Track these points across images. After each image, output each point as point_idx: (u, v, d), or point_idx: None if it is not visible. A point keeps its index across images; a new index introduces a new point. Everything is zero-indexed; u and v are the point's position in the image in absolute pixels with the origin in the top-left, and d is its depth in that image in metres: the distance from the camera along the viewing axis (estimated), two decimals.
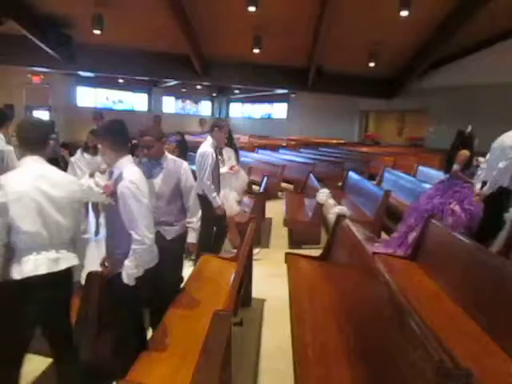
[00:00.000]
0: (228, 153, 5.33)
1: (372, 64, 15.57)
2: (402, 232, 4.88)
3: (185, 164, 3.14)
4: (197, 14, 12.62)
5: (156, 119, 24.06)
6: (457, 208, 4.53)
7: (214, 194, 4.40)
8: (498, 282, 2.65)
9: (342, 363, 2.21)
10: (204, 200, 4.21)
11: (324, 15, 12.31)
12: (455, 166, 4.73)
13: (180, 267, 3.31)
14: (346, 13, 12.32)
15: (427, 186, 6.63)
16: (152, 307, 2.97)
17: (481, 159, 5.69)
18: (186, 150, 7.83)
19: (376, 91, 18.81)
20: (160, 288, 2.73)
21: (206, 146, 4.60)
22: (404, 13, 11.09)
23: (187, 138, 14.81)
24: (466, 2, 11.78)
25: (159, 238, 2.73)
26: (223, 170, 4.96)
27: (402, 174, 8.11)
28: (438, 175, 8.51)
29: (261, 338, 3.36)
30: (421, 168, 9.40)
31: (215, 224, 4.61)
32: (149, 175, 2.90)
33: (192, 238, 3.12)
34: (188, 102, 29.05)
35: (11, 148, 3.92)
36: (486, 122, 15.04)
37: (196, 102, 29.47)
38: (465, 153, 4.72)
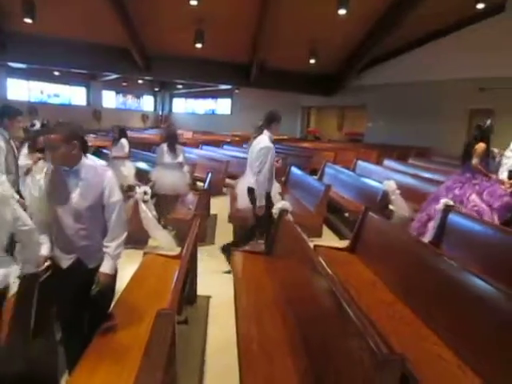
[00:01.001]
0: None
1: (312, 61, 15.92)
2: (422, 221, 4.92)
3: (109, 173, 2.47)
4: (137, 5, 12.29)
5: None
6: (477, 200, 4.67)
7: (263, 192, 4.41)
8: (427, 270, 2.82)
9: (286, 356, 2.26)
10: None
11: (265, 11, 12.43)
12: (474, 160, 4.87)
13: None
14: (287, 10, 12.50)
15: (366, 180, 6.90)
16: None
17: (495, 150, 5.88)
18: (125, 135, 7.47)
19: (317, 87, 19.25)
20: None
21: (267, 141, 4.54)
22: (342, 11, 11.43)
23: (130, 134, 14.31)
24: (400, 4, 12.32)
25: (79, 267, 2.42)
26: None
27: (342, 169, 8.37)
28: (376, 169, 8.90)
29: (207, 335, 3.35)
30: (359, 162, 9.74)
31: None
32: (60, 187, 2.38)
33: (106, 267, 2.43)
34: (129, 96, 28.19)
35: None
36: (418, 117, 15.95)
37: (138, 96, 28.67)
38: (482, 146, 4.89)
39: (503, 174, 5.36)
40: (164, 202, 6.37)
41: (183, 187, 6.52)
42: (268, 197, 4.54)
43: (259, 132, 4.77)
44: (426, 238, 4.33)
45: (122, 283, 3.22)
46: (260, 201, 4.41)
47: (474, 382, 1.98)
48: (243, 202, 4.81)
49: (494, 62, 13.56)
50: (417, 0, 11.79)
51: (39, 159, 4.46)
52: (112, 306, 2.72)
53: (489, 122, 5.11)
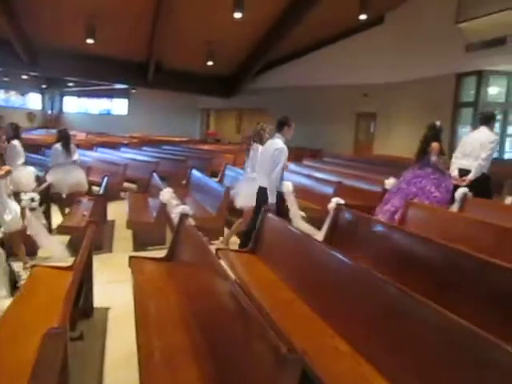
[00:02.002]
0: None
1: (210, 63, 16.00)
2: (389, 212, 5.40)
3: None
4: None
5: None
6: (436, 193, 5.41)
7: (275, 191, 4.83)
8: (322, 267, 2.98)
9: (190, 364, 2.21)
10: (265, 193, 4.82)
11: (160, 9, 12.18)
12: (434, 158, 5.54)
13: None
14: (184, 9, 12.42)
15: None
16: None
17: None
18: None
19: (215, 90, 19.38)
20: None
21: (281, 143, 4.92)
22: (238, 14, 11.63)
23: None
24: (292, 11, 12.89)
25: None
26: None
27: (242, 171, 8.49)
28: None
29: (105, 350, 3.16)
30: None
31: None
32: None
33: None
34: (13, 93, 25.72)
35: None
36: (311, 120, 16.84)
37: (23, 93, 26.28)
38: (437, 145, 5.60)
39: (454, 172, 6.23)
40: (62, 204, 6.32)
41: (84, 184, 7.05)
42: (280, 195, 5.03)
43: (258, 137, 5.69)
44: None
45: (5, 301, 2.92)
46: (272, 199, 4.81)
47: (366, 370, 2.13)
48: (244, 201, 5.28)
49: (375, 70, 14.82)
50: (307, 8, 12.42)
51: None
52: None
53: (439, 122, 5.88)
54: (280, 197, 5.00)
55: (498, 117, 12.18)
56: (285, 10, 13.26)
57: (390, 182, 6.59)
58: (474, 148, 6.14)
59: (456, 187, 5.79)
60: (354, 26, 14.68)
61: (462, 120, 12.49)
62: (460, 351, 1.78)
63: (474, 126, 11.64)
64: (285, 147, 4.91)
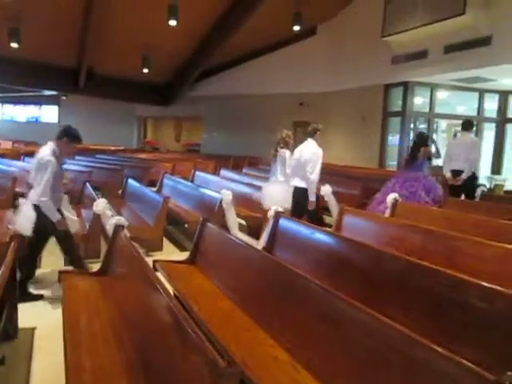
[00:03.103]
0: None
1: (146, 70, 15.69)
2: (382, 205, 5.93)
3: None
4: None
5: None
6: (427, 198, 5.98)
7: (315, 189, 5.66)
8: (261, 275, 2.97)
9: (121, 382, 2.10)
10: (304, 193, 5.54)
11: (90, 12, 11.74)
12: (426, 162, 6.32)
13: None
14: (116, 15, 12.10)
15: (204, 190, 7.01)
16: None
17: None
18: None
19: (152, 97, 19.03)
20: None
21: (317, 147, 5.71)
22: (173, 22, 11.53)
23: None
24: (230, 18, 12.98)
25: None
26: None
27: (180, 180, 8.38)
28: (213, 179, 9.15)
29: (30, 373, 2.93)
30: (197, 173, 9.90)
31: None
32: None
33: None
34: None
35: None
36: (249, 128, 17.00)
37: None
38: (426, 149, 6.25)
39: (447, 174, 7.12)
40: None
41: None
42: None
43: (285, 143, 6.51)
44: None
45: None
46: (312, 196, 5.52)
47: (305, 378, 2.13)
48: (273, 202, 5.34)
49: (310, 80, 15.29)
50: (242, 18, 12.57)
51: None
52: None
53: (425, 131, 6.48)
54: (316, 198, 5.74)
55: (422, 126, 13.04)
56: (220, 19, 13.32)
57: (325, 189, 6.80)
58: (462, 150, 6.95)
59: (451, 187, 7.00)
60: (289, 36, 15.04)
61: (391, 128, 13.15)
62: (391, 353, 1.83)
63: (403, 135, 12.41)
64: (321, 151, 5.62)
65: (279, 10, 12.66)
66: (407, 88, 12.24)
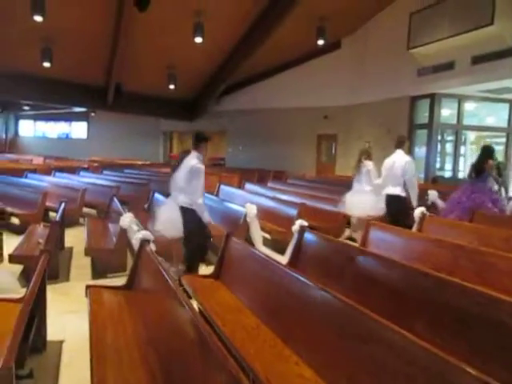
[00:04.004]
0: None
1: (172, 86, 15.98)
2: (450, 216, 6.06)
3: None
4: None
5: None
6: (495, 208, 6.05)
7: (417, 195, 6.03)
8: (285, 291, 2.94)
9: None
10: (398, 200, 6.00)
11: (119, 33, 12.11)
12: (493, 173, 6.35)
13: None
14: (143, 34, 12.42)
15: (229, 204, 7.03)
16: None
17: None
18: None
19: (178, 113, 19.36)
20: None
21: (407, 156, 6.11)
22: (198, 39, 11.75)
23: None
24: (254, 33, 13.14)
25: None
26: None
27: (206, 194, 8.40)
28: (238, 193, 9.17)
29: None
30: (222, 187, 9.94)
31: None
32: None
33: None
34: None
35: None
36: (273, 142, 17.06)
37: None
38: (492, 162, 6.22)
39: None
40: None
41: None
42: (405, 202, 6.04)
43: (367, 155, 7.01)
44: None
45: None
46: (415, 204, 5.83)
47: None
48: (361, 210, 6.16)
49: (335, 93, 15.29)
50: (267, 33, 12.70)
51: None
52: None
53: (492, 144, 6.68)
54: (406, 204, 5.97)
55: (450, 137, 12.80)
56: (244, 35, 13.51)
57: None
58: None
59: None
60: (313, 50, 15.11)
61: (418, 141, 12.96)
62: (421, 374, 1.76)
63: (430, 147, 12.21)
64: (412, 159, 6.01)
65: (303, 25, 12.75)
66: (434, 100, 12.07)
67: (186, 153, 4.96)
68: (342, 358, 2.21)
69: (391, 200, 6.13)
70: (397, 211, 5.99)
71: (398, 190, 6.08)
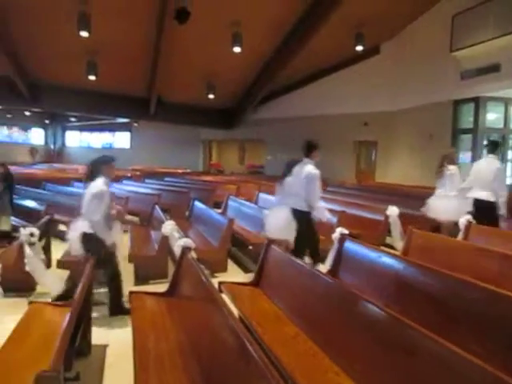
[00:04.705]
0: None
1: (211, 96, 16.24)
2: None
3: None
4: (19, 33, 11.57)
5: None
6: None
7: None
8: (325, 300, 2.90)
9: None
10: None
11: (160, 46, 12.47)
12: None
13: None
14: (183, 45, 12.71)
15: (267, 212, 7.03)
16: None
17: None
18: (11, 183, 6.99)
19: (217, 121, 19.64)
20: None
21: (498, 162, 5.87)
22: (237, 49, 11.90)
23: (16, 169, 13.15)
24: (292, 41, 13.17)
25: None
26: None
27: (245, 202, 8.47)
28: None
29: None
30: (261, 195, 9.95)
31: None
32: None
33: None
34: (15, 129, 26.08)
35: None
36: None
37: (25, 129, 26.66)
38: None
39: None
40: None
41: None
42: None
43: (451, 161, 6.51)
44: None
45: (1, 338, 2.84)
46: (504, 212, 5.74)
47: None
48: (446, 215, 5.98)
49: (374, 99, 15.06)
50: (304, 40, 12.71)
51: None
52: None
53: None
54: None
55: None
56: (282, 43, 13.57)
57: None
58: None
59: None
60: (352, 56, 14.99)
61: (462, 146, 12.53)
62: None
63: (475, 152, 11.77)
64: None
65: (340, 31, 12.67)
66: (479, 103, 11.66)
67: (296, 161, 5.34)
68: (384, 371, 2.16)
69: (480, 205, 5.99)
70: (485, 217, 5.76)
71: (487, 196, 5.97)
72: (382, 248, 5.10)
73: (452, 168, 6.53)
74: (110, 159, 4.63)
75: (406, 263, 3.52)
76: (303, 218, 5.06)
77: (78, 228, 4.29)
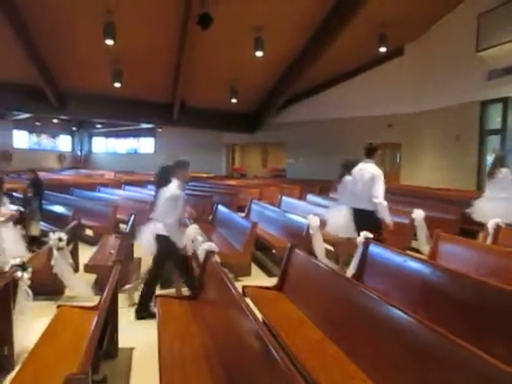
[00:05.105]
0: None
1: (234, 100, 16.32)
2: None
3: None
4: (47, 42, 11.91)
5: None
6: None
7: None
8: (350, 304, 2.87)
9: None
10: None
11: (183, 52, 12.63)
12: None
13: None
14: (206, 51, 12.82)
15: (291, 215, 7.01)
16: None
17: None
18: (41, 188, 7.19)
19: (239, 125, 19.72)
20: None
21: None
22: (259, 53, 11.94)
23: (45, 175, 13.48)
24: (314, 45, 13.13)
25: None
26: None
27: (268, 205, 8.47)
28: (300, 204, 9.12)
29: None
30: (284, 198, 9.93)
31: None
32: None
33: None
34: (44, 136, 26.81)
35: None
36: (334, 152, 16.81)
37: (53, 136, 27.39)
38: None
39: None
40: None
41: None
42: None
43: (502, 163, 6.34)
44: None
45: (31, 340, 2.91)
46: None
47: None
48: (494, 218, 5.49)
49: (398, 101, 14.87)
50: (327, 43, 12.64)
51: None
52: (19, 367, 2.47)
53: None
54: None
55: None
56: (304, 46, 13.55)
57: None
58: None
59: None
60: (375, 58, 14.84)
61: (490, 147, 12.22)
62: None
63: (504, 154, 11.44)
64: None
65: (363, 33, 12.56)
66: (507, 104, 11.36)
67: (352, 161, 5.68)
68: (410, 376, 2.12)
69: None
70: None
71: None
72: (408, 252, 5.02)
73: (504, 171, 6.40)
74: (186, 163, 4.92)
75: (432, 267, 3.46)
76: (367, 217, 5.14)
77: (152, 230, 4.55)
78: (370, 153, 5.42)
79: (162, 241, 4.46)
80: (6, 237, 4.55)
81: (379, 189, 5.08)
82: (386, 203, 5.11)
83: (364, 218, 5.15)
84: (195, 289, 4.29)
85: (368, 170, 5.23)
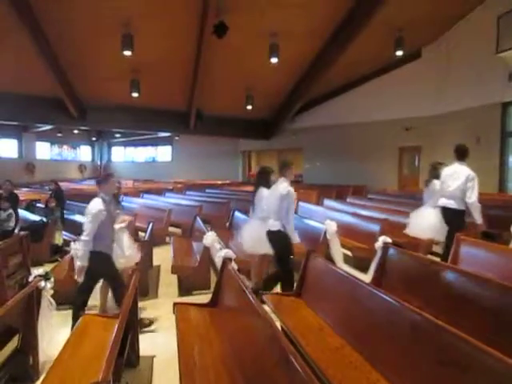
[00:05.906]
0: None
1: (249, 107, 16.38)
2: None
3: None
4: (67, 55, 12.20)
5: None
6: None
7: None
8: (370, 310, 2.83)
9: None
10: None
11: (199, 61, 12.76)
12: None
13: None
14: (221, 58, 12.92)
15: (308, 221, 6.98)
16: None
17: None
18: (62, 199, 7.36)
19: (255, 132, 19.77)
20: None
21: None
22: (274, 60, 11.98)
23: (66, 185, 13.72)
24: (329, 50, 13.10)
25: None
26: None
27: None
28: (317, 210, 9.08)
29: None
30: (301, 203, 9.87)
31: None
32: None
33: None
34: (65, 147, 27.36)
35: None
36: (352, 157, 16.74)
37: (74, 147, 27.93)
38: None
39: None
40: None
41: None
42: None
43: None
44: None
45: (55, 349, 2.96)
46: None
47: None
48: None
49: (416, 104, 14.70)
50: (342, 48, 12.59)
51: None
52: (44, 376, 2.51)
53: None
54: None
55: None
56: (320, 51, 13.53)
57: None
58: None
59: None
60: (392, 61, 14.72)
61: (511, 150, 11.98)
62: None
63: None
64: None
65: (380, 37, 12.48)
66: None
67: (440, 164, 6.05)
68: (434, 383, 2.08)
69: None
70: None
71: None
72: (429, 256, 4.95)
73: (437, 182, 6.26)
74: (290, 163, 5.13)
75: (454, 272, 3.40)
76: (458, 216, 5.39)
77: (259, 228, 4.82)
78: (463, 155, 5.61)
79: (277, 236, 4.66)
80: (125, 241, 4.69)
81: (475, 190, 5.30)
82: (479, 204, 5.30)
83: (455, 217, 5.40)
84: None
85: (464, 171, 5.43)
